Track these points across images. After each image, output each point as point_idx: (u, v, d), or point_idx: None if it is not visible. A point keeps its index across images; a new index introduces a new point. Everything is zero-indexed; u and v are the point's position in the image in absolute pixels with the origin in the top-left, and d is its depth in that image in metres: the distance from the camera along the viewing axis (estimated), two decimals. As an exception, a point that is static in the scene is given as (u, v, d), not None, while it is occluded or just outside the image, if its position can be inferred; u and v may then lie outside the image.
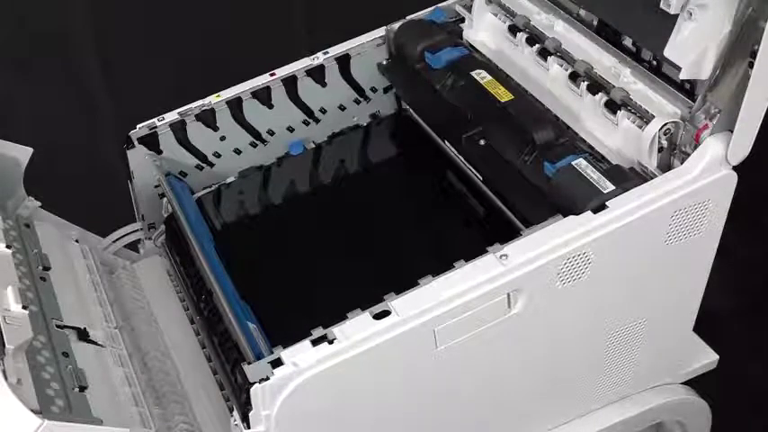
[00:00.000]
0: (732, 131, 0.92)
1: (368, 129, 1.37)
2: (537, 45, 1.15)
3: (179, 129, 1.24)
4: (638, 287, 1.01)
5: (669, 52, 0.97)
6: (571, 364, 1.05)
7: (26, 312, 0.91)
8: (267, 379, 0.82)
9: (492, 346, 0.93)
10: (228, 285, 1.05)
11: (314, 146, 1.35)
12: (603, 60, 1.08)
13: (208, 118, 1.25)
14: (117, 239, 1.32)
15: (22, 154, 1.15)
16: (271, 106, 1.29)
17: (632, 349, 1.08)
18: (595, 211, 0.91)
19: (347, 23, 1.38)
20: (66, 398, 0.89)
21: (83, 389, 0.92)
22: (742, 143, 0.92)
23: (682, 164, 0.95)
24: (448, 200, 1.23)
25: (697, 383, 1.21)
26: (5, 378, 0.80)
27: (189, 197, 1.24)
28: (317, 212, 1.26)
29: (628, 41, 1.06)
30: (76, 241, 1.22)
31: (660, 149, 0.98)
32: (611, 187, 0.93)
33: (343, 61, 1.31)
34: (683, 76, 0.96)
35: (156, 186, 1.27)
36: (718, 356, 1.21)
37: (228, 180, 1.31)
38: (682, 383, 1.20)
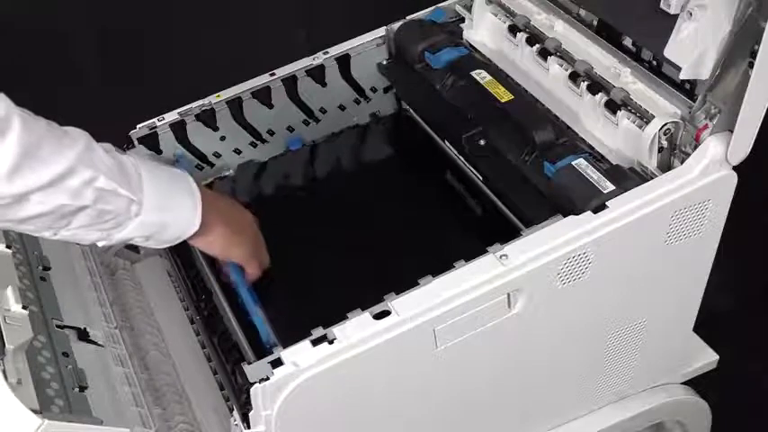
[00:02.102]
0: (732, 131, 0.92)
1: (367, 128, 1.36)
2: (537, 45, 1.15)
3: (179, 129, 1.24)
4: (638, 287, 1.01)
5: (669, 52, 0.97)
6: (571, 364, 1.05)
7: (26, 312, 0.91)
8: (267, 379, 0.82)
9: (492, 346, 0.93)
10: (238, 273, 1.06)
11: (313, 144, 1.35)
12: (603, 60, 1.08)
13: (208, 118, 1.25)
14: (117, 239, 1.32)
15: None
16: (271, 106, 1.29)
17: (632, 349, 1.08)
18: (595, 211, 0.91)
19: (347, 23, 1.37)
20: (67, 398, 0.89)
21: (83, 389, 0.92)
22: (742, 143, 0.92)
23: (682, 164, 0.95)
24: (448, 200, 1.23)
25: (697, 383, 1.21)
26: (5, 378, 0.80)
27: None
28: (315, 212, 1.26)
29: (628, 41, 1.06)
30: (76, 241, 1.22)
31: (660, 149, 0.98)
32: (611, 187, 0.93)
33: (343, 61, 1.31)
34: (683, 76, 0.96)
35: (156, 186, 1.26)
36: (718, 356, 1.21)
37: (224, 173, 1.31)
38: (682, 383, 1.20)
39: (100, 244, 0.87)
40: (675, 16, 0.96)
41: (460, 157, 1.18)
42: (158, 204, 0.87)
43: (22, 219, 0.79)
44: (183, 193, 0.91)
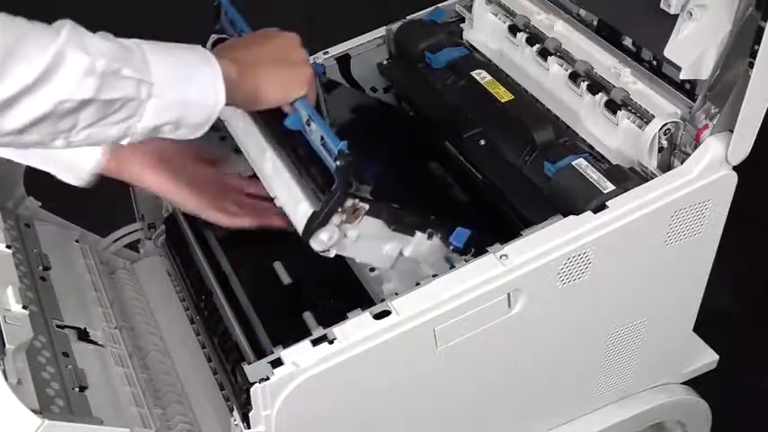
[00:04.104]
0: (732, 131, 0.92)
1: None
2: (537, 45, 1.15)
3: (179, 129, 1.24)
4: (638, 287, 1.01)
5: (669, 52, 0.97)
6: (571, 364, 1.05)
7: (26, 312, 0.91)
8: (267, 379, 0.82)
9: (492, 346, 0.93)
10: None
11: None
12: (603, 60, 1.08)
13: (208, 118, 1.25)
14: (117, 239, 1.32)
15: (22, 154, 1.15)
16: (271, 106, 1.29)
17: (632, 349, 1.08)
18: (595, 211, 0.91)
19: (347, 23, 1.37)
20: (67, 398, 0.89)
21: (83, 389, 0.92)
22: (742, 143, 0.92)
23: (682, 164, 0.95)
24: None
25: (697, 383, 1.21)
26: (5, 378, 0.80)
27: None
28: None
29: (628, 41, 1.06)
30: (76, 241, 1.22)
31: (660, 149, 0.98)
32: (611, 187, 0.93)
33: (343, 61, 1.31)
34: (683, 76, 0.96)
35: (156, 186, 1.26)
36: (718, 356, 1.21)
37: None
38: (682, 383, 1.20)
39: (125, 142, 0.79)
40: (675, 16, 0.96)
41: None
42: (171, 80, 0.78)
43: (22, 127, 0.72)
44: (198, 62, 0.81)
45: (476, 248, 0.95)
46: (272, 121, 0.93)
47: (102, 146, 0.91)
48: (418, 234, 0.95)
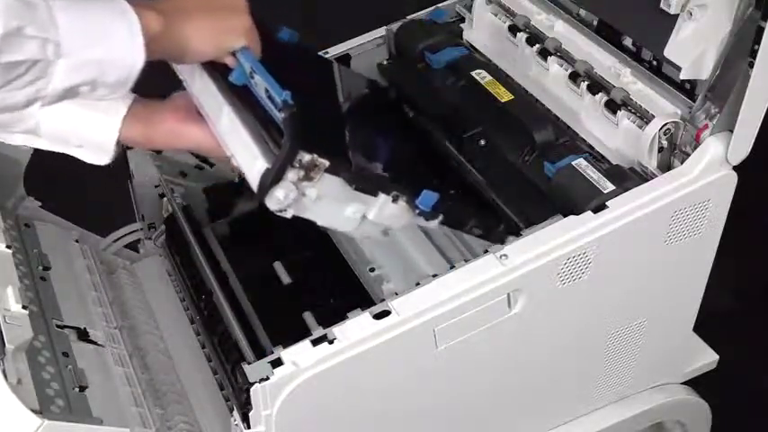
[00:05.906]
0: (732, 131, 0.92)
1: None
2: (537, 45, 1.15)
3: (179, 129, 1.23)
4: (638, 287, 1.01)
5: (669, 52, 0.97)
6: (571, 364, 1.05)
7: (26, 312, 0.91)
8: (267, 379, 0.82)
9: (492, 346, 0.93)
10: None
11: None
12: (603, 60, 1.08)
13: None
14: (117, 239, 1.32)
15: (21, 154, 1.15)
16: (271, 106, 1.28)
17: (632, 349, 1.08)
18: (595, 211, 0.91)
19: (347, 23, 1.37)
20: (67, 398, 0.89)
21: (83, 389, 0.92)
22: (742, 143, 0.93)
23: (682, 164, 0.95)
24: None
25: (697, 383, 1.21)
26: (5, 378, 0.80)
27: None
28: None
29: (628, 41, 1.06)
30: (76, 241, 1.22)
31: (660, 149, 0.98)
32: (611, 187, 0.93)
33: (343, 61, 1.31)
34: (683, 76, 0.96)
35: (156, 186, 1.26)
36: (718, 356, 1.21)
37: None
38: (682, 383, 1.20)
39: (37, 106, 0.74)
40: (675, 16, 0.96)
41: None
42: (82, 38, 0.71)
43: None
44: (113, 16, 0.74)
45: (444, 215, 0.90)
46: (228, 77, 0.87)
47: (120, 114, 0.83)
48: (382, 196, 0.87)
